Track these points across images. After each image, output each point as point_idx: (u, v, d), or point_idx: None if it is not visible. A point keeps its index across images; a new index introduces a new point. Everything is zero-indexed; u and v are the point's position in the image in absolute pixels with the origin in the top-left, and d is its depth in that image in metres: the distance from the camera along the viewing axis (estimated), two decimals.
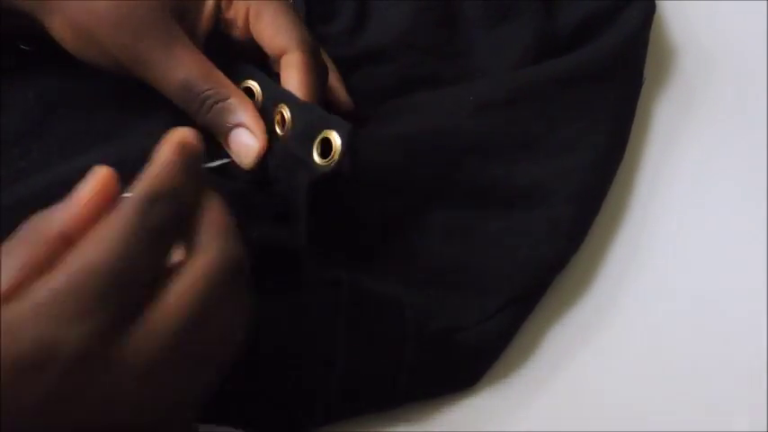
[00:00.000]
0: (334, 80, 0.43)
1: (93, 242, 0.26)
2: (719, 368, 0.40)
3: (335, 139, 0.35)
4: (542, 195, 0.42)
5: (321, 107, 0.37)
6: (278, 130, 0.37)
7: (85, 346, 0.24)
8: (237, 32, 0.39)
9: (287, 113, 0.37)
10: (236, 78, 0.38)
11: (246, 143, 0.37)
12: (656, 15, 0.48)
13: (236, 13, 0.38)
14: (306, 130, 0.36)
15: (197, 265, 0.27)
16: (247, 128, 0.37)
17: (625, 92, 0.46)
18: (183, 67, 0.37)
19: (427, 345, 0.37)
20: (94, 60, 0.38)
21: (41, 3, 0.36)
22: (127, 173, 0.36)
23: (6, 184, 0.37)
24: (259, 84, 0.38)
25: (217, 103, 0.37)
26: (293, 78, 0.37)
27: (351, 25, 0.48)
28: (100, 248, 0.25)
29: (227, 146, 0.38)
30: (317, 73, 0.38)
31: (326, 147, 0.35)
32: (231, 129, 0.38)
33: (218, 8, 0.38)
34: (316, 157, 0.35)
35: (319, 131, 0.35)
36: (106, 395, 0.25)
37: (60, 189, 0.36)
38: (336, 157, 0.35)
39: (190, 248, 0.28)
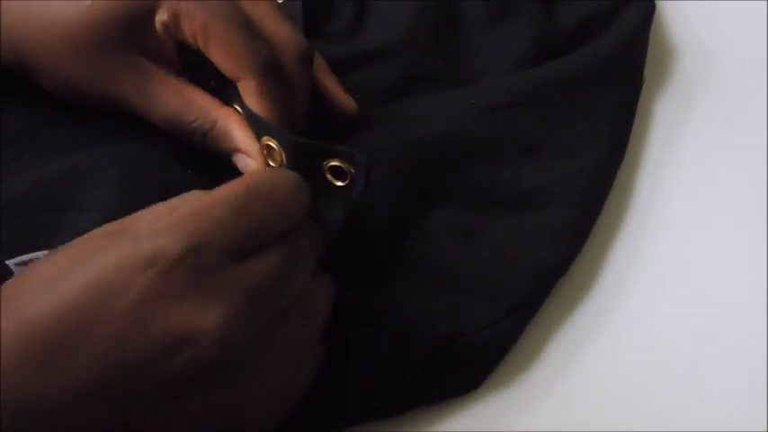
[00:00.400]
0: (333, 85, 0.42)
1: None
2: (720, 368, 0.40)
3: (344, 165, 0.34)
4: (545, 199, 0.42)
5: (293, 123, 0.37)
6: (269, 161, 0.36)
7: (188, 251, 0.28)
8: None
9: (275, 145, 0.36)
10: (225, 100, 0.38)
11: (249, 165, 0.37)
12: (655, 15, 0.48)
13: (185, 36, 0.36)
14: (308, 164, 0.35)
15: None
16: (243, 152, 0.37)
17: (625, 92, 0.46)
18: (162, 104, 0.36)
19: (432, 350, 0.36)
20: (87, 105, 0.38)
21: (21, 64, 0.37)
22: (125, 170, 0.37)
23: None
24: (242, 110, 0.37)
25: (206, 131, 0.37)
26: (254, 107, 0.36)
27: (349, 24, 0.48)
28: None
29: (236, 165, 0.38)
30: (275, 96, 0.36)
31: (335, 170, 0.35)
32: (231, 153, 0.37)
33: (169, 34, 0.37)
34: (338, 183, 0.35)
35: (323, 162, 0.34)
36: (207, 301, 0.28)
37: (50, 185, 0.36)
38: (356, 181, 0.34)
39: None
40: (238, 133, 0.37)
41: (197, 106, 0.37)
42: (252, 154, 0.36)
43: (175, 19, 0.36)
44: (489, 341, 0.39)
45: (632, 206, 0.46)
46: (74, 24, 0.35)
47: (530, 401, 0.39)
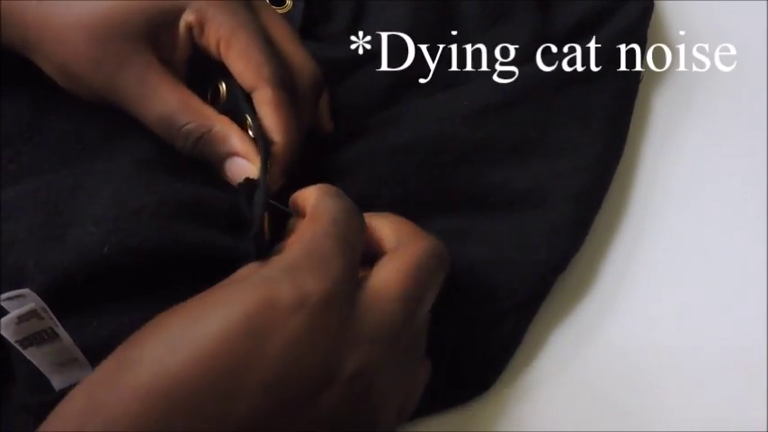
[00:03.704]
0: (323, 102, 0.42)
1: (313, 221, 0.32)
2: (720, 368, 0.41)
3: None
4: (541, 198, 0.42)
5: (299, 139, 0.37)
6: None
7: (330, 289, 0.29)
8: (216, 58, 0.38)
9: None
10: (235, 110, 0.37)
11: (244, 169, 0.37)
12: (655, 13, 0.48)
13: (207, 41, 0.37)
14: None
15: (408, 251, 0.32)
16: (240, 155, 0.37)
17: (621, 90, 0.46)
18: (160, 101, 0.36)
19: (437, 356, 0.36)
20: (83, 94, 0.38)
21: (26, 44, 0.37)
22: (119, 185, 0.37)
23: None
24: (252, 121, 0.37)
25: (201, 136, 0.37)
26: (267, 117, 0.37)
27: (347, 25, 0.47)
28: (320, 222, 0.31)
29: (224, 173, 0.37)
30: (289, 109, 0.37)
31: None
32: (224, 158, 0.37)
33: (190, 35, 0.37)
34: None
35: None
36: (350, 336, 0.29)
37: (47, 197, 0.36)
38: None
39: (387, 248, 0.33)
40: (236, 138, 0.37)
41: (195, 109, 0.37)
42: (250, 158, 0.37)
43: (201, 22, 0.36)
44: (493, 344, 0.39)
45: (632, 203, 0.46)
46: (97, 11, 0.36)
47: (531, 400, 0.40)
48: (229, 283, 0.31)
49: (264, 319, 0.28)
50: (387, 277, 0.31)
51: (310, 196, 0.34)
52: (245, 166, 0.37)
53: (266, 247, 0.34)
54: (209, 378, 0.27)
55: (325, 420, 0.29)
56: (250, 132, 0.37)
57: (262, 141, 0.36)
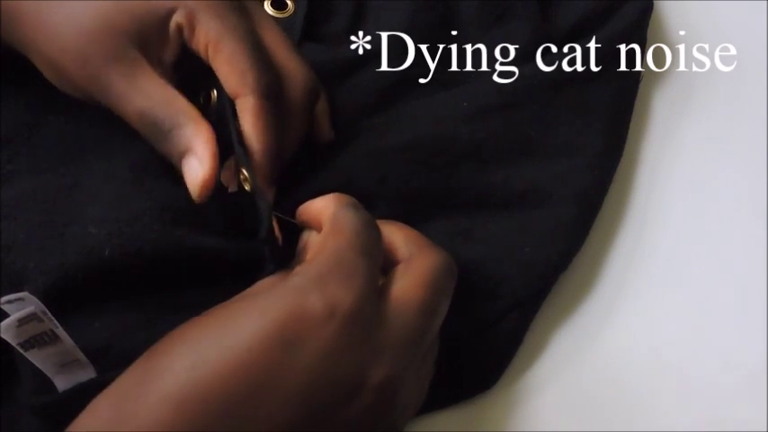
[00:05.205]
0: (322, 112, 0.42)
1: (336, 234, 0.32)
2: (720, 368, 0.41)
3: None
4: (541, 198, 0.42)
5: (276, 151, 0.37)
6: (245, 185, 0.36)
7: (358, 300, 0.29)
8: (206, 62, 0.37)
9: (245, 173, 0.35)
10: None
11: (195, 170, 0.35)
12: (655, 13, 0.48)
13: (197, 44, 0.36)
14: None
15: (423, 263, 0.33)
16: (196, 154, 0.35)
17: (621, 90, 0.46)
18: (142, 96, 0.35)
19: (438, 353, 0.37)
20: (71, 92, 0.37)
21: (19, 39, 0.37)
22: (119, 186, 0.37)
23: None
24: (233, 129, 0.37)
25: (171, 130, 0.35)
26: (247, 124, 0.36)
27: (347, 26, 0.47)
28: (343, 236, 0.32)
29: (182, 173, 0.36)
30: (270, 119, 0.36)
31: None
32: (181, 156, 0.35)
33: (180, 38, 0.37)
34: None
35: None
36: (376, 346, 0.29)
37: (45, 196, 0.36)
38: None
39: (400, 257, 0.34)
40: (200, 138, 0.35)
41: (175, 105, 0.36)
42: (204, 162, 0.35)
43: (191, 24, 0.36)
44: (495, 340, 0.39)
45: (632, 203, 0.46)
46: (89, 9, 0.36)
47: (532, 401, 0.40)
48: (255, 292, 0.31)
49: (296, 329, 0.28)
50: (407, 288, 0.31)
51: (327, 207, 0.34)
52: (195, 167, 0.35)
53: (281, 251, 0.34)
54: (242, 386, 0.27)
55: (352, 428, 0.29)
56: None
57: (239, 148, 0.35)
